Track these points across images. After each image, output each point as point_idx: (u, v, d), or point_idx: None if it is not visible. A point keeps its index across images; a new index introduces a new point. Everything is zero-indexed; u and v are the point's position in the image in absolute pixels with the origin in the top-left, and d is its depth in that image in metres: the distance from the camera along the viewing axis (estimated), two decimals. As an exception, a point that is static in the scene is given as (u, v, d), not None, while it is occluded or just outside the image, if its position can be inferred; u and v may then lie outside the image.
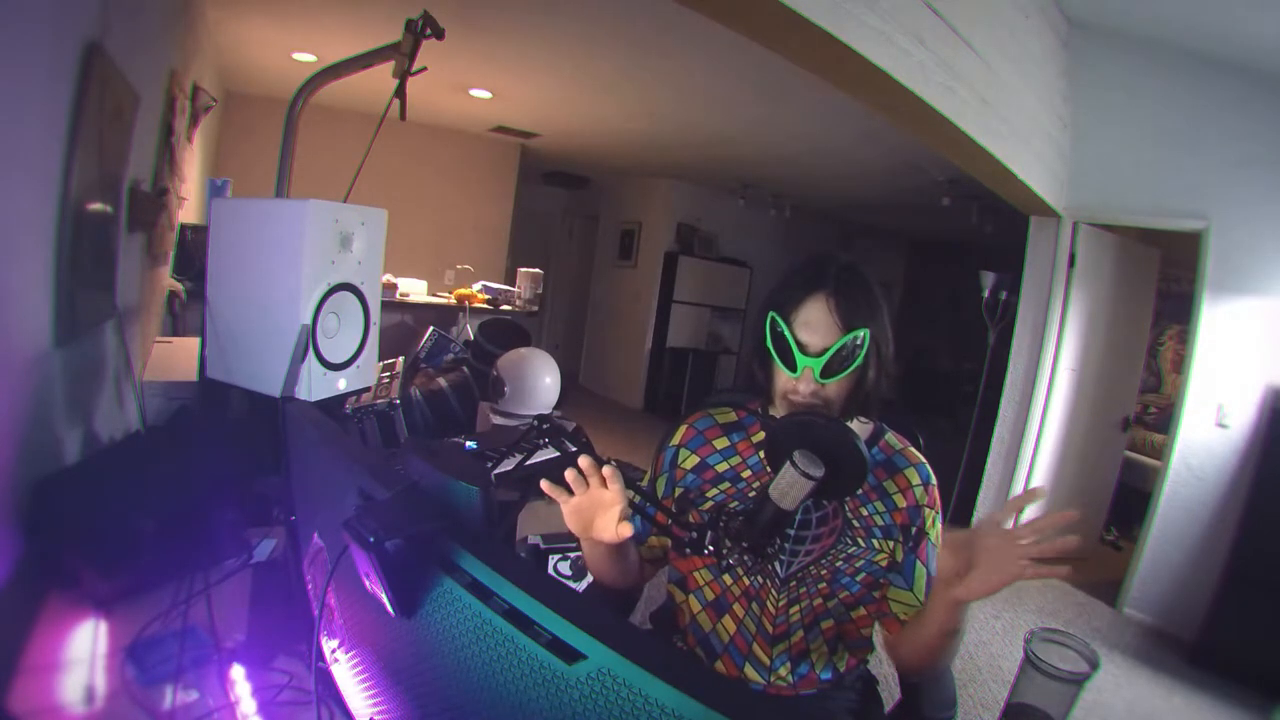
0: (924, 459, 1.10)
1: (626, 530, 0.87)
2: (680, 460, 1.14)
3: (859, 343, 0.96)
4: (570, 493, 0.88)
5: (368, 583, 0.58)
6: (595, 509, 0.89)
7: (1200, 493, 3.14)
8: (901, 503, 1.05)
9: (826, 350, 0.96)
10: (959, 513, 4.00)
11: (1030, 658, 0.78)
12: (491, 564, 0.51)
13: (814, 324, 0.97)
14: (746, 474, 1.09)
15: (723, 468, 1.11)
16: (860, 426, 1.09)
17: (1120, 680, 2.68)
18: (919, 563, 1.04)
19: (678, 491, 1.13)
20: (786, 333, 0.98)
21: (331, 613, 0.78)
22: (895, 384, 1.05)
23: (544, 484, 0.88)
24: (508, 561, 0.51)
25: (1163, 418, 4.62)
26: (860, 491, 1.04)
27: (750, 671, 1.05)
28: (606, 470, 0.87)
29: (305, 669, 0.91)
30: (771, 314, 1.00)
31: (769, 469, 0.91)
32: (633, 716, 0.39)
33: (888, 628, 1.05)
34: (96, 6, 1.22)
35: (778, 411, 1.06)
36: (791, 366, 0.98)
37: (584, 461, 0.87)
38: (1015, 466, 3.73)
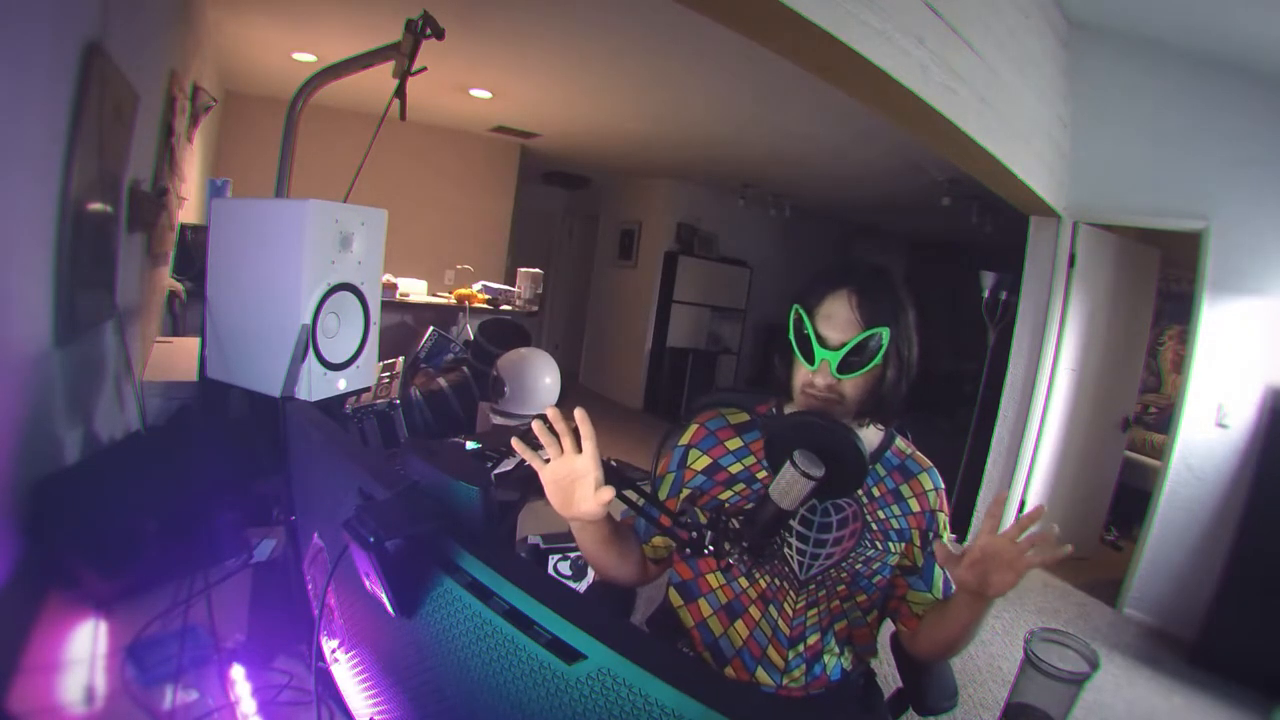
0: (931, 462, 1.12)
1: (606, 495, 0.86)
2: (690, 460, 1.14)
3: (878, 341, 0.97)
4: (541, 453, 0.87)
5: (368, 583, 0.58)
6: (573, 479, 0.88)
7: (1200, 493, 3.13)
8: (916, 507, 1.07)
9: (845, 345, 0.97)
10: (959, 513, 3.99)
11: (1030, 658, 0.78)
12: (491, 564, 0.51)
13: (835, 318, 0.99)
14: (762, 475, 1.09)
15: (736, 469, 1.11)
16: (874, 433, 1.11)
17: (1120, 680, 2.68)
18: (937, 566, 1.07)
19: (685, 492, 1.12)
20: (808, 325, 0.99)
21: (331, 613, 0.78)
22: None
23: (514, 441, 0.88)
24: (508, 561, 0.51)
25: (1163, 418, 4.62)
26: (879, 495, 1.06)
27: (762, 675, 1.05)
28: (578, 413, 0.86)
29: (305, 669, 0.91)
30: (796, 307, 1.02)
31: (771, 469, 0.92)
32: (633, 716, 0.39)
33: (905, 624, 1.08)
34: (96, 6, 1.22)
35: (795, 408, 1.07)
36: (810, 359, 0.99)
37: (551, 412, 0.86)
38: (1015, 466, 3.73)
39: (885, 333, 0.97)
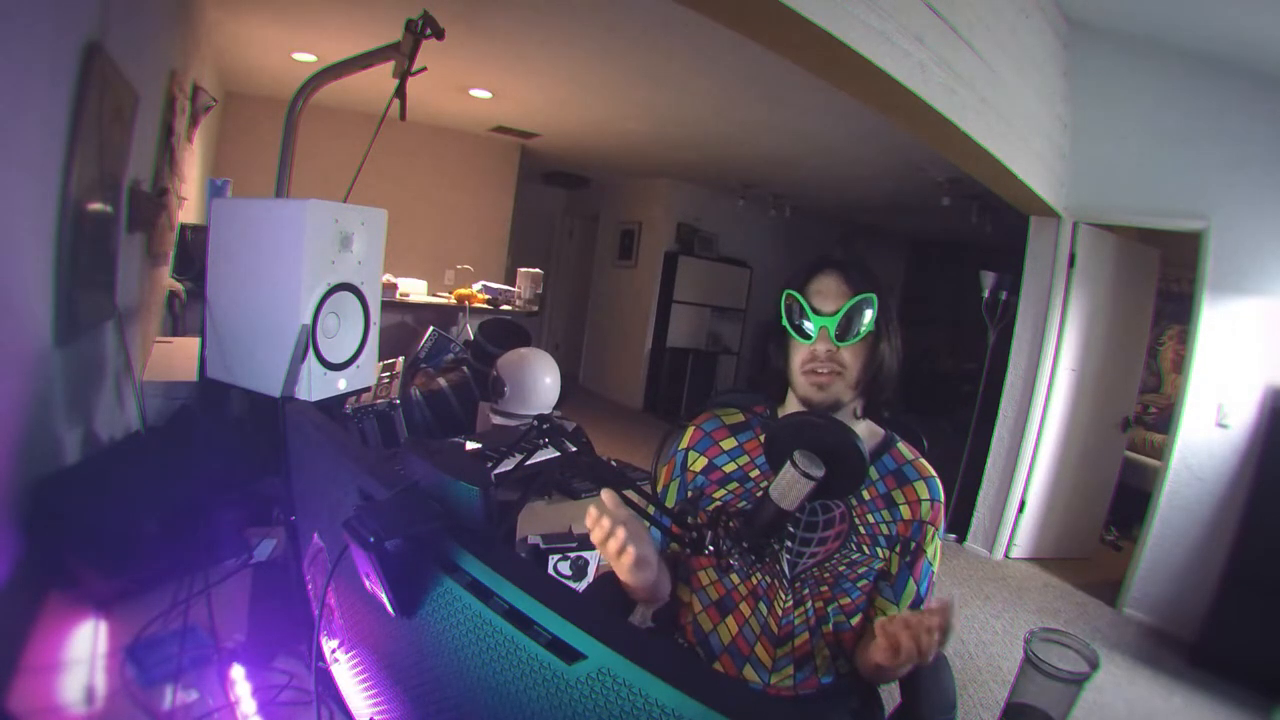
0: (934, 473, 1.11)
1: (628, 559, 0.86)
2: (690, 463, 1.15)
3: (871, 308, 1.01)
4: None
5: (368, 583, 0.58)
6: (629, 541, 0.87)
7: (1200, 493, 3.13)
8: (907, 515, 1.07)
9: (840, 309, 1.01)
10: (959, 514, 4.00)
11: (1030, 658, 0.78)
12: (491, 564, 0.50)
13: (825, 292, 1.03)
14: (755, 474, 1.10)
15: (730, 468, 1.12)
16: (870, 435, 1.11)
17: (1120, 680, 2.68)
18: (911, 580, 1.06)
19: (689, 494, 1.14)
20: (801, 299, 1.03)
21: (331, 613, 0.78)
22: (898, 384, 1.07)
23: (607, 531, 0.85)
24: (508, 561, 0.51)
25: (1163, 418, 4.62)
26: (869, 498, 1.06)
27: (750, 673, 1.05)
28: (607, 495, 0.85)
29: (305, 669, 0.91)
30: (786, 291, 1.05)
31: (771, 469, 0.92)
32: (633, 716, 0.39)
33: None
34: (96, 6, 1.22)
35: (795, 392, 1.08)
36: (807, 333, 1.02)
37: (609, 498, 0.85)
38: (1015, 466, 3.73)
39: (874, 298, 1.01)
